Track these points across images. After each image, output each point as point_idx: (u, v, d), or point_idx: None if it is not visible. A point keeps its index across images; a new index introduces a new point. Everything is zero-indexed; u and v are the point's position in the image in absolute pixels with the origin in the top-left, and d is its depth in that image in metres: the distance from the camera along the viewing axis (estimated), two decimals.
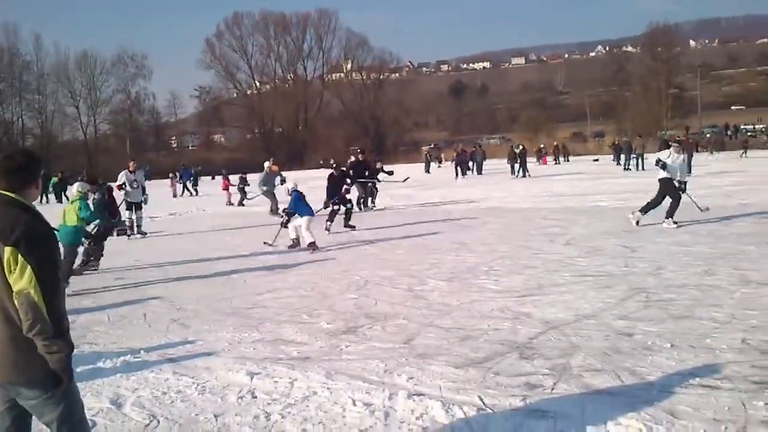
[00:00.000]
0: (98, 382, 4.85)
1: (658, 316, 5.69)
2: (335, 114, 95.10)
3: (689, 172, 17.93)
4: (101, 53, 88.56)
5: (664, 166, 11.55)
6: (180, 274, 9.74)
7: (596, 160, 46.61)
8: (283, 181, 18.21)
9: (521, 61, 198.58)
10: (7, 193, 2.63)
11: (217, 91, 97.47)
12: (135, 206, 15.06)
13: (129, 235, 14.96)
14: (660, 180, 11.69)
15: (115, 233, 15.17)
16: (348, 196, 14.15)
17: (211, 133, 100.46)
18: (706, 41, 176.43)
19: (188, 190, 35.08)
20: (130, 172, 15.00)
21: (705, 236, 10.19)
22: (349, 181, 14.98)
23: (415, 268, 8.91)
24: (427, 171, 41.67)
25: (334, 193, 13.78)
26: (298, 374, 4.76)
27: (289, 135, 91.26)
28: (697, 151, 35.28)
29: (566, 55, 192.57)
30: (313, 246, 11.06)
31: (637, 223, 11.56)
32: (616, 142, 42.78)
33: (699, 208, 12.03)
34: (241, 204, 23.63)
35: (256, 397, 4.38)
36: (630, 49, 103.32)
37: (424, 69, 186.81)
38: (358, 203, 17.60)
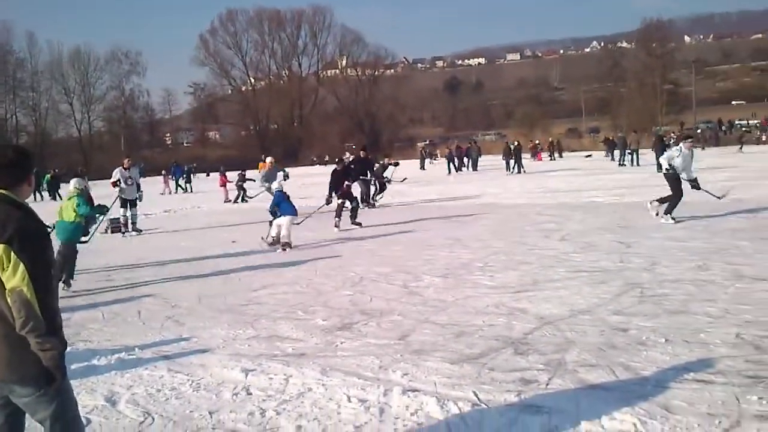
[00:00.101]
0: (93, 379, 4.84)
1: (653, 311, 5.70)
2: (330, 110, 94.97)
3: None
4: (95, 50, 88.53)
5: (672, 167, 11.44)
6: (175, 271, 9.72)
7: (588, 156, 46.61)
8: (286, 176, 18.17)
9: (516, 57, 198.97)
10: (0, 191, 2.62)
11: (212, 87, 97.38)
12: (130, 203, 15.01)
13: (123, 233, 14.94)
14: (665, 175, 11.63)
15: (109, 231, 15.20)
16: (353, 193, 14.12)
17: (205, 130, 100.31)
18: (701, 37, 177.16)
19: (181, 187, 34.95)
20: (125, 169, 14.94)
21: (699, 231, 10.20)
22: (351, 177, 14.93)
23: (411, 264, 8.91)
24: (422, 168, 41.66)
25: (336, 188, 13.78)
26: (293, 371, 4.75)
27: (284, 131, 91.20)
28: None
29: (561, 51, 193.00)
30: (286, 246, 10.99)
31: (654, 208, 11.64)
32: (610, 138, 42.88)
33: (716, 196, 11.96)
34: (236, 201, 23.54)
35: (251, 394, 4.38)
36: (625, 44, 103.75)
37: (419, 65, 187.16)
38: (362, 200, 17.59)
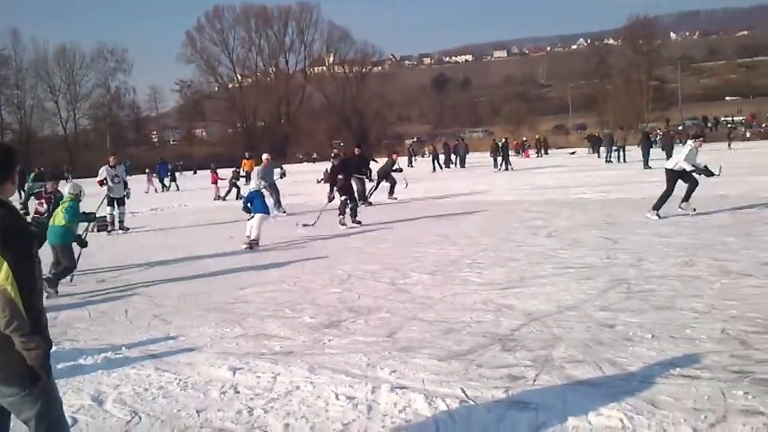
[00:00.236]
0: (79, 378, 4.81)
1: (639, 307, 5.74)
2: (317, 107, 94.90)
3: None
4: (80, 48, 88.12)
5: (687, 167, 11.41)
6: (162, 269, 9.67)
7: (573, 152, 46.84)
8: (283, 174, 18.12)
9: (503, 54, 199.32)
10: None
11: (198, 85, 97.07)
12: (117, 201, 14.91)
13: (110, 231, 14.84)
14: (667, 170, 11.65)
15: (95, 229, 15.08)
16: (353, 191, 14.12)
17: (192, 127, 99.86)
18: (687, 34, 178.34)
19: (165, 186, 34.54)
20: (111, 167, 14.83)
21: (686, 227, 10.27)
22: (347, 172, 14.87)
23: (399, 261, 8.91)
24: (410, 165, 41.72)
25: (333, 183, 13.79)
26: (281, 369, 4.74)
27: (271, 129, 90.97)
28: (678, 143, 35.58)
29: (548, 48, 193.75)
30: (254, 244, 10.99)
31: (686, 207, 11.59)
32: (597, 135, 43.10)
33: (714, 173, 11.86)
34: (226, 198, 23.42)
35: (238, 392, 4.36)
36: (611, 41, 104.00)
37: (407, 62, 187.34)
38: (358, 198, 17.55)
